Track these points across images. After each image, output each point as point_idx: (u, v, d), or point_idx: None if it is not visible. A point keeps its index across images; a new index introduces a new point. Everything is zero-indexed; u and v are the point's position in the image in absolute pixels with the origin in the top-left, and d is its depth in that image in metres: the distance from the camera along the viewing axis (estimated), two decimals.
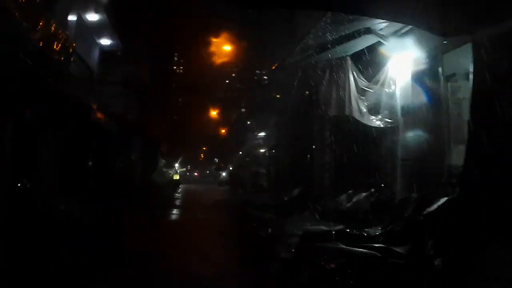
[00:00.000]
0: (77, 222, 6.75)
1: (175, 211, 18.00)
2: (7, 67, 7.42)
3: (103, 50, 14.97)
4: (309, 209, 9.14)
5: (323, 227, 6.10)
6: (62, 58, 9.80)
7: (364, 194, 7.43)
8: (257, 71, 23.72)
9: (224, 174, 48.57)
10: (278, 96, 22.91)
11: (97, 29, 13.89)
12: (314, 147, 12.61)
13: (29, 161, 7.98)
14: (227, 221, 11.76)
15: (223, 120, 47.05)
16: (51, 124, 9.04)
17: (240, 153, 41.67)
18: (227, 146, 47.92)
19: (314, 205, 9.41)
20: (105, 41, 14.52)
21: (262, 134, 29.59)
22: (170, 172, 41.38)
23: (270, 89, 25.61)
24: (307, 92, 11.09)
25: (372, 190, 7.44)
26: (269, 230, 7.39)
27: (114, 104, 15.96)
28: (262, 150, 30.26)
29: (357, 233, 5.51)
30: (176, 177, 40.72)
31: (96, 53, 14.70)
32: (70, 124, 10.09)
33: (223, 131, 50.80)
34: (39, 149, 8.50)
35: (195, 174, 77.02)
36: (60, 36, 9.54)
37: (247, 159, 36.29)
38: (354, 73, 8.63)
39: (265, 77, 25.46)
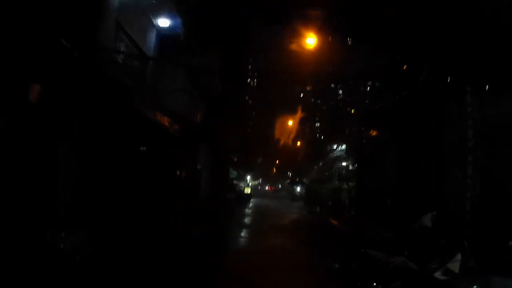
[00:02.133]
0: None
1: (242, 234, 14.60)
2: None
3: (162, 33, 12.27)
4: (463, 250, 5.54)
5: None
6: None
7: None
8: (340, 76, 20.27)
9: (298, 189, 45.19)
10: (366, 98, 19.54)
11: (155, 7, 11.28)
12: (442, 152, 8.81)
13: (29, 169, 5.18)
14: (319, 262, 8.14)
15: (298, 130, 43.97)
16: (74, 116, 6.22)
17: (316, 167, 38.35)
18: (302, 159, 44.82)
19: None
20: (164, 22, 11.74)
21: (343, 146, 26.32)
22: (241, 185, 38.74)
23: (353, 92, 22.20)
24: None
25: None
26: None
27: (175, 102, 13.17)
28: (344, 164, 26.67)
29: None
30: (248, 190, 37.92)
31: (153, 37, 12.01)
32: (105, 118, 7.28)
33: (298, 143, 47.54)
34: (51, 150, 5.67)
35: (267, 188, 74.35)
36: None
37: (326, 173, 32.81)
38: None
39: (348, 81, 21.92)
